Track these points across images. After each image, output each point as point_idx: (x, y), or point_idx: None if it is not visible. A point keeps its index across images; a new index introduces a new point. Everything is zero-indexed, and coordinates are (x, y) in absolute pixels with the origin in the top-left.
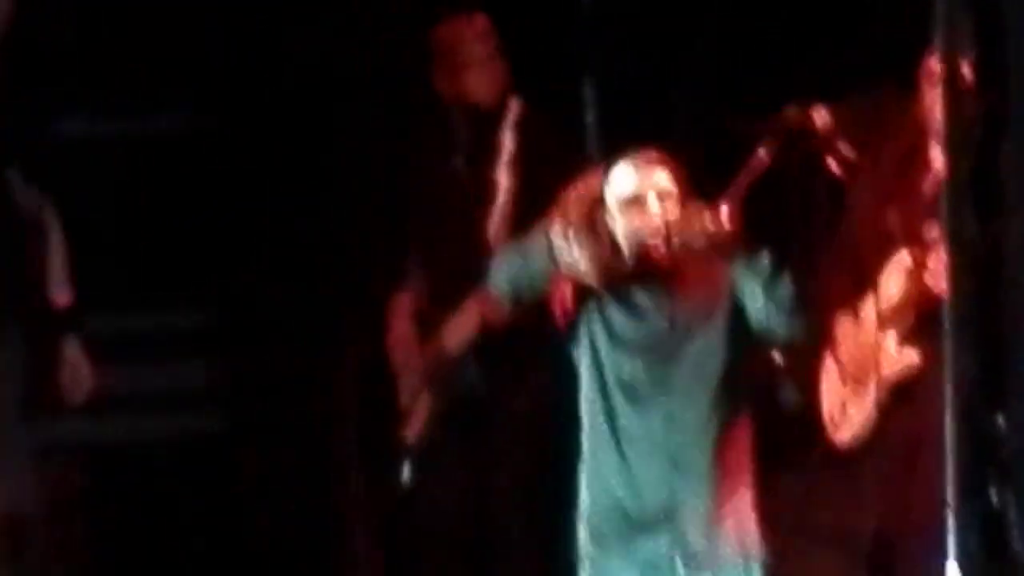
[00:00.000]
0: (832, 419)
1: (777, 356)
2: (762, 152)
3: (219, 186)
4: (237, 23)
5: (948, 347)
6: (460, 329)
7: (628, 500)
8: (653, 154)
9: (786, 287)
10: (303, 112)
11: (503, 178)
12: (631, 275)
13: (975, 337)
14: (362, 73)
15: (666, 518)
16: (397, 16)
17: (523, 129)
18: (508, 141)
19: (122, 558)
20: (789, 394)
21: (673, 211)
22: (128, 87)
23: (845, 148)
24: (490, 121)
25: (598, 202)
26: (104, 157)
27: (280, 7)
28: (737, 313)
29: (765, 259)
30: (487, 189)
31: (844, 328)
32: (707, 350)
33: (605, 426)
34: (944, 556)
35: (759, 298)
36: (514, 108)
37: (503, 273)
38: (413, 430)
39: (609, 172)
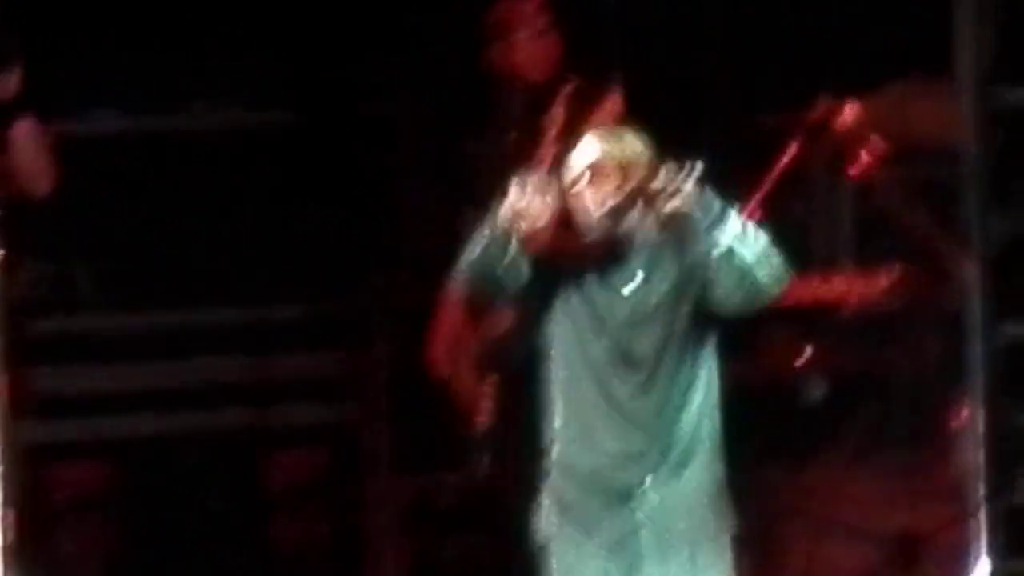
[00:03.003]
0: None
1: (805, 350)
2: (792, 146)
3: (251, 182)
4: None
5: (974, 345)
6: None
7: (597, 473)
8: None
9: (761, 235)
10: (345, 100)
11: (551, 153)
12: (593, 249)
13: (1001, 334)
14: (414, 53)
15: (636, 493)
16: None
17: (573, 104)
18: (557, 116)
19: (146, 555)
20: (814, 388)
21: (633, 181)
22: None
23: (876, 142)
24: (542, 98)
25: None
26: (138, 154)
27: None
28: (701, 283)
29: (733, 217)
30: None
31: None
32: (674, 320)
33: (575, 399)
34: (975, 552)
35: (735, 257)
36: (567, 87)
37: (466, 260)
38: (482, 417)
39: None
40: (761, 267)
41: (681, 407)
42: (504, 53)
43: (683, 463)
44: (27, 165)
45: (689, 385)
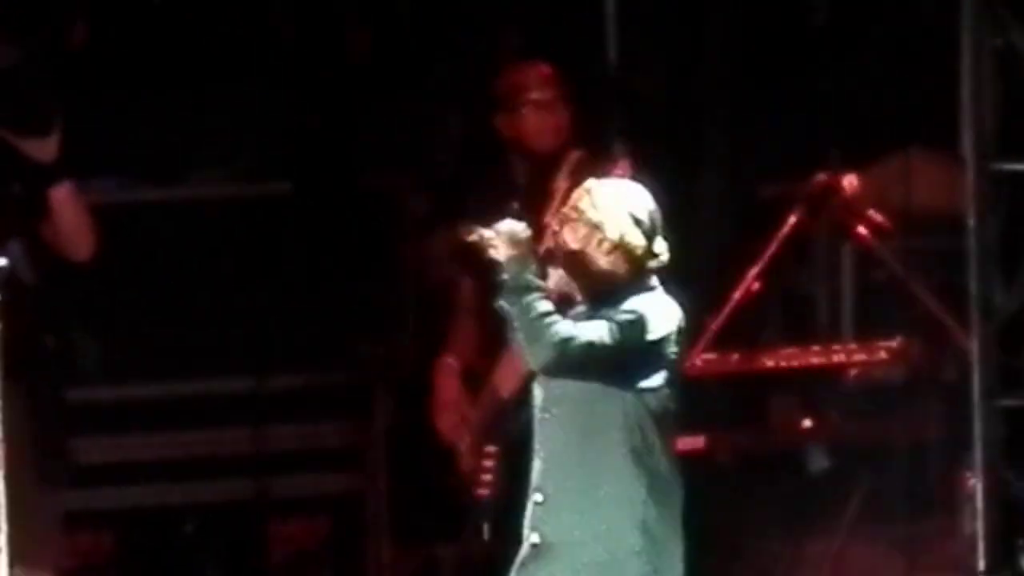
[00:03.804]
0: None
1: (806, 421)
2: (794, 216)
3: (251, 253)
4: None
5: (977, 415)
6: (510, 375)
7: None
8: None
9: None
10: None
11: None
12: None
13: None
14: (414, 125)
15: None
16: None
17: (579, 177)
18: (563, 187)
19: None
20: (817, 459)
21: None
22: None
23: (875, 213)
24: (548, 167)
25: None
26: (137, 223)
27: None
28: None
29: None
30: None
31: None
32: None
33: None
34: None
35: None
36: (573, 155)
37: None
38: (483, 486)
39: None
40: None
41: (575, 462)
42: (511, 122)
43: (570, 523)
44: (67, 229)
45: (586, 438)
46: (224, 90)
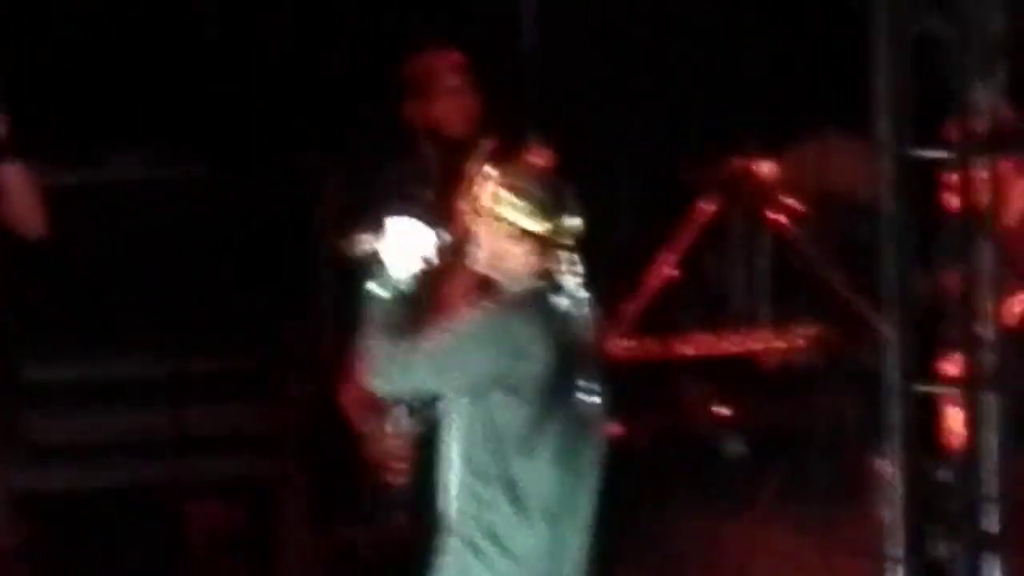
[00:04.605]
0: None
1: (723, 408)
2: (709, 202)
3: (166, 234)
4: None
5: (893, 400)
6: None
7: None
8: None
9: None
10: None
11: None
12: None
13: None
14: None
15: None
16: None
17: (492, 161)
18: (476, 172)
19: None
20: (731, 443)
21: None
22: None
23: (790, 199)
24: (461, 152)
25: None
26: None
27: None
28: None
29: None
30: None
31: None
32: None
33: None
34: None
35: None
36: (486, 143)
37: None
38: (396, 473)
39: None
40: None
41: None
42: (423, 109)
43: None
44: (21, 207)
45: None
46: (141, 73)
